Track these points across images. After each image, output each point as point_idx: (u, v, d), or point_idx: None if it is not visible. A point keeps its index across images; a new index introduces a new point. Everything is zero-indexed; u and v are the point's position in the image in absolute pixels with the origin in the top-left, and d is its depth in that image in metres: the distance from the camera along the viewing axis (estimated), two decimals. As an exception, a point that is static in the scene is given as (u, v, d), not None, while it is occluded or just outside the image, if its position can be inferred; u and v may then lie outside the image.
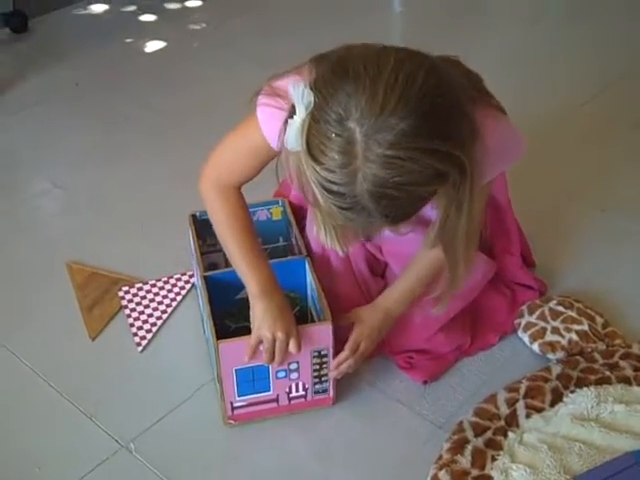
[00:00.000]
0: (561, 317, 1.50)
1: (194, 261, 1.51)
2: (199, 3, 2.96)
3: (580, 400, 1.36)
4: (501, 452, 1.30)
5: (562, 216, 1.70)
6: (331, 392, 1.41)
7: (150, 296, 1.65)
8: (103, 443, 1.38)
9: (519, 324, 1.52)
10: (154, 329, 1.58)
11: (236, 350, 1.31)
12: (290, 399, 1.39)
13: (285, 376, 1.36)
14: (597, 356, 1.45)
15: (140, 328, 1.58)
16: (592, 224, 1.80)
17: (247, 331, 1.47)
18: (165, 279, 1.69)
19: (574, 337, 1.48)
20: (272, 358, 1.32)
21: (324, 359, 1.36)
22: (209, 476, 1.33)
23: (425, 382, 1.45)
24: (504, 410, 1.37)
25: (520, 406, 1.37)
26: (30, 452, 1.38)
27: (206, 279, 1.43)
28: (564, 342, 1.47)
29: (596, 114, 2.19)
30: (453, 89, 1.05)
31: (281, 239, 1.62)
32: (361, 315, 1.42)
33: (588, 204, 1.86)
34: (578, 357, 1.45)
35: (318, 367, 1.37)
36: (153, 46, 2.67)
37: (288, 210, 1.57)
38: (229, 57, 2.55)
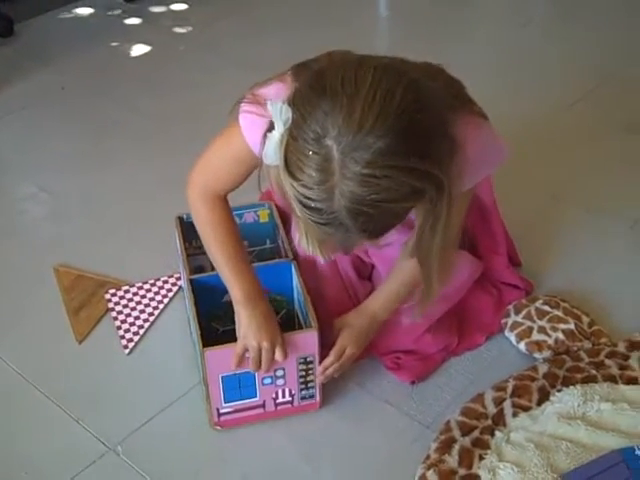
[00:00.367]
0: (547, 316, 1.51)
1: (180, 263, 1.51)
2: (184, 6, 2.95)
3: (567, 399, 1.36)
4: (488, 451, 1.30)
5: (548, 216, 1.71)
6: (317, 397, 1.41)
7: (137, 299, 1.65)
8: (90, 446, 1.38)
9: (505, 324, 1.53)
10: (141, 331, 1.58)
11: (222, 357, 1.31)
12: (277, 405, 1.39)
13: (271, 382, 1.36)
14: (583, 355, 1.46)
15: (127, 331, 1.58)
16: (578, 224, 1.81)
17: (234, 334, 1.48)
18: (152, 282, 1.69)
19: (560, 336, 1.48)
20: (258, 366, 1.32)
21: (310, 365, 1.36)
22: (197, 478, 1.33)
23: (413, 382, 1.46)
24: (491, 409, 1.37)
25: (507, 405, 1.37)
26: (17, 456, 1.37)
27: (192, 282, 1.42)
28: (550, 341, 1.48)
29: (585, 115, 2.20)
30: (432, 105, 1.05)
31: (268, 241, 1.62)
32: (347, 320, 1.42)
33: (574, 204, 1.87)
34: (564, 356, 1.46)
35: (304, 373, 1.37)
36: (139, 50, 2.66)
37: (275, 213, 1.57)
38: (215, 61, 2.55)
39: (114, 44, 2.70)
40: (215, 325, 1.49)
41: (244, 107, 1.25)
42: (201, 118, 2.24)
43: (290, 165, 1.04)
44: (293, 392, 1.39)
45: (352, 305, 1.48)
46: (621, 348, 1.47)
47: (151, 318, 1.61)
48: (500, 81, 2.33)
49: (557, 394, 1.38)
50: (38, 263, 1.76)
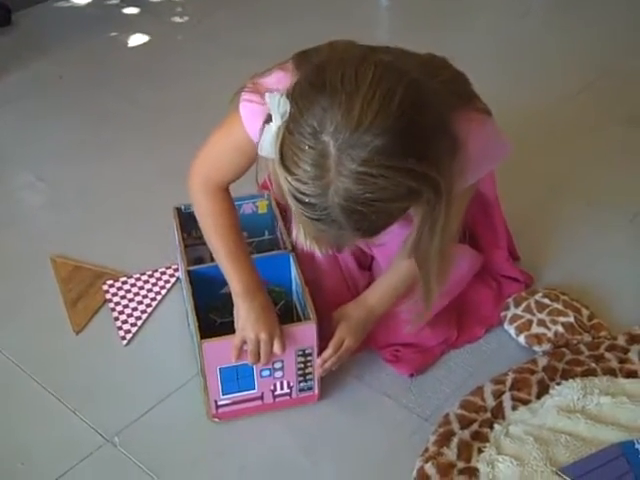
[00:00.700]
0: (547, 309, 1.50)
1: (178, 255, 1.50)
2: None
3: (566, 392, 1.36)
4: (487, 444, 1.30)
5: (548, 209, 1.70)
6: (316, 390, 1.40)
7: (135, 290, 1.64)
8: (87, 437, 1.37)
9: (505, 317, 1.52)
10: (139, 323, 1.57)
11: (220, 349, 1.30)
12: (275, 397, 1.39)
13: (270, 375, 1.35)
14: (583, 348, 1.45)
15: (125, 322, 1.57)
16: (577, 217, 1.81)
17: (232, 326, 1.47)
18: (150, 272, 1.68)
19: (560, 329, 1.48)
20: (257, 359, 1.31)
21: (308, 357, 1.35)
22: (195, 470, 1.32)
23: (411, 375, 1.45)
24: (490, 402, 1.37)
25: (506, 398, 1.37)
26: (13, 447, 1.37)
27: (190, 273, 1.42)
28: (550, 334, 1.47)
29: (585, 107, 2.19)
30: (433, 105, 1.03)
31: (267, 233, 1.61)
32: (345, 312, 1.42)
33: (574, 197, 1.87)
34: (564, 349, 1.45)
35: (303, 366, 1.36)
36: (137, 40, 2.65)
37: (274, 204, 1.57)
38: (214, 50, 2.54)
39: (112, 34, 2.69)
40: (213, 317, 1.48)
41: (244, 96, 1.24)
42: (200, 108, 2.23)
43: (285, 159, 1.03)
44: (291, 384, 1.38)
45: (351, 296, 1.47)
46: (621, 341, 1.47)
47: (149, 309, 1.60)
48: (500, 72, 2.32)
49: (557, 387, 1.38)
50: (35, 253, 1.75)
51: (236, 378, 1.34)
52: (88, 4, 2.90)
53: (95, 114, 2.25)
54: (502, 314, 1.53)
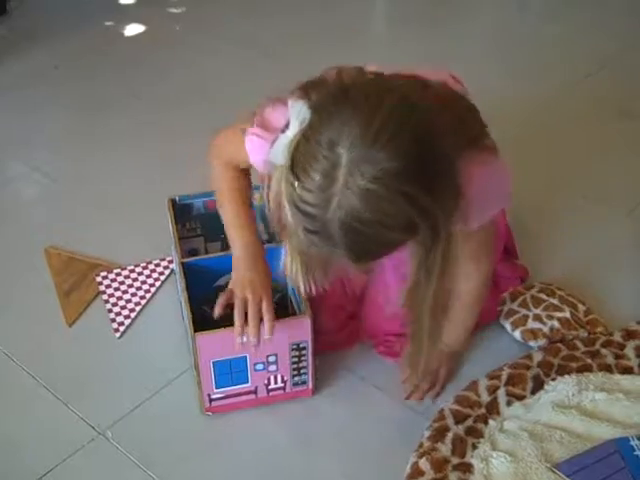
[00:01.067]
0: (543, 304, 1.50)
1: (172, 247, 1.49)
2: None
3: (561, 388, 1.35)
4: (482, 440, 1.29)
5: (544, 203, 1.70)
6: (310, 384, 1.39)
7: (128, 281, 1.63)
8: (80, 430, 1.36)
9: (501, 311, 1.52)
10: (132, 315, 1.56)
11: (214, 342, 1.30)
12: (269, 391, 1.38)
13: (263, 368, 1.35)
14: (578, 344, 1.45)
15: (118, 314, 1.56)
16: (574, 211, 1.80)
17: (226, 319, 1.46)
18: (144, 264, 1.67)
19: (556, 324, 1.47)
20: (242, 320, 1.27)
21: (303, 352, 1.35)
22: (188, 464, 1.32)
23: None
24: (485, 398, 1.36)
25: (501, 394, 1.36)
26: (5, 439, 1.36)
27: (184, 265, 1.41)
28: (546, 329, 1.47)
29: (582, 100, 2.18)
30: (443, 145, 1.03)
31: (262, 226, 1.60)
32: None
33: (570, 191, 1.86)
34: (559, 345, 1.45)
35: (297, 360, 1.35)
36: (133, 29, 2.64)
37: (269, 195, 1.55)
38: (210, 40, 2.52)
39: (108, 23, 2.67)
40: (206, 309, 1.47)
41: (252, 130, 1.26)
42: (197, 99, 2.23)
43: (296, 165, 1.02)
44: (285, 378, 1.37)
45: (345, 294, 1.48)
46: (617, 337, 1.46)
47: (142, 302, 1.59)
48: (496, 66, 2.31)
49: (552, 383, 1.37)
50: (29, 244, 1.74)
51: (230, 372, 1.34)
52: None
53: (90, 104, 2.23)
54: (498, 309, 1.52)
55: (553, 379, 1.38)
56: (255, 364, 1.34)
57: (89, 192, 1.90)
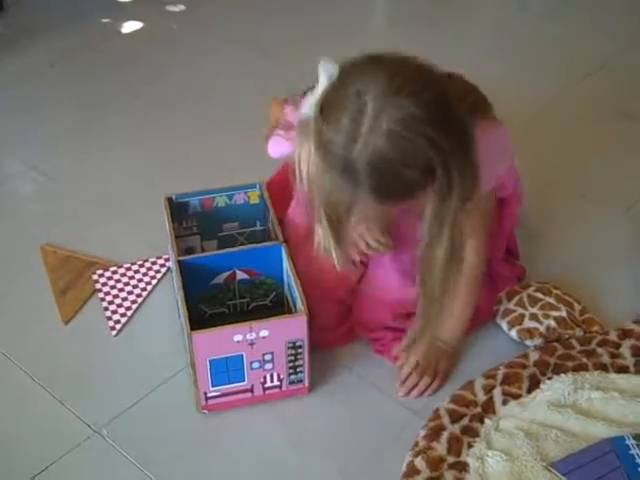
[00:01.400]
0: (539, 304, 1.50)
1: (169, 245, 1.49)
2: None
3: (557, 387, 1.35)
4: (477, 439, 1.29)
5: (541, 202, 1.69)
6: (306, 382, 1.39)
7: (125, 280, 1.63)
8: (75, 428, 1.36)
9: (497, 310, 1.51)
10: (129, 313, 1.56)
11: (210, 340, 1.30)
12: (265, 389, 1.38)
13: (259, 367, 1.34)
14: (574, 343, 1.45)
15: (114, 312, 1.56)
16: (572, 210, 1.80)
17: (222, 317, 1.46)
18: (140, 262, 1.67)
19: (552, 323, 1.47)
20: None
21: (299, 350, 1.35)
22: (183, 462, 1.31)
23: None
24: (481, 397, 1.36)
25: (497, 393, 1.36)
26: (0, 437, 1.36)
27: (180, 264, 1.41)
28: (542, 329, 1.47)
29: (581, 100, 2.18)
30: (458, 107, 1.15)
31: (258, 223, 1.60)
32: (421, 355, 1.43)
33: (568, 190, 1.86)
34: (555, 344, 1.45)
35: (293, 358, 1.35)
36: (130, 27, 2.63)
37: (265, 194, 1.55)
38: (209, 39, 2.51)
39: (105, 20, 2.66)
40: (203, 308, 1.47)
41: (277, 132, 1.44)
42: (194, 97, 2.23)
43: (325, 110, 1.13)
44: (281, 376, 1.37)
45: (343, 285, 1.48)
46: (613, 336, 1.46)
47: (139, 300, 1.59)
48: (496, 65, 2.30)
49: (547, 382, 1.37)
50: (25, 242, 1.74)
51: (226, 370, 1.34)
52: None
53: (88, 102, 2.23)
54: (494, 308, 1.52)
55: (549, 378, 1.38)
56: (251, 362, 1.33)
57: (86, 190, 1.90)
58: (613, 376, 1.38)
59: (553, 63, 2.35)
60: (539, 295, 1.51)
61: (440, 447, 1.28)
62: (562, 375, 1.37)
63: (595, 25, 2.55)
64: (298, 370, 1.37)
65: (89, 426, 1.36)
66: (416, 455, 1.27)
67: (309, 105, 1.21)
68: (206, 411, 1.37)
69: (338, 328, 1.50)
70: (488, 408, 1.34)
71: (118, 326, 1.54)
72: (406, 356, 1.43)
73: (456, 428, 1.31)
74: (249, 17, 2.63)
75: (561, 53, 2.40)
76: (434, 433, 1.30)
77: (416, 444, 1.29)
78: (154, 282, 1.63)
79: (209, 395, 1.36)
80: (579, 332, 1.47)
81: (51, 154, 2.03)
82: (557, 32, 2.52)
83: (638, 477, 1.20)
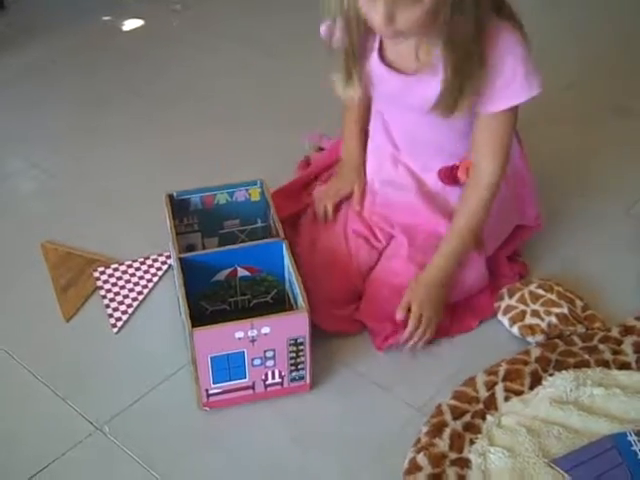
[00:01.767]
0: (541, 300, 1.49)
1: (170, 242, 1.49)
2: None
3: (559, 383, 1.35)
4: (479, 435, 1.29)
5: (541, 200, 1.69)
6: (308, 379, 1.39)
7: (126, 277, 1.63)
8: (77, 425, 1.36)
9: (499, 307, 1.51)
10: (130, 310, 1.56)
11: (211, 337, 1.29)
12: (266, 386, 1.38)
13: (261, 364, 1.34)
14: (576, 339, 1.44)
15: (116, 309, 1.56)
16: (572, 208, 1.80)
17: (223, 314, 1.46)
18: (142, 260, 1.67)
19: (554, 320, 1.47)
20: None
21: (300, 347, 1.34)
22: (185, 459, 1.31)
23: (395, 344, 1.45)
24: (483, 393, 1.36)
25: (499, 389, 1.36)
26: (2, 434, 1.36)
27: (182, 261, 1.41)
28: (544, 325, 1.47)
29: (576, 99, 2.18)
30: None
31: (259, 220, 1.60)
32: (414, 285, 1.45)
33: (567, 188, 1.86)
34: (557, 340, 1.44)
35: (294, 355, 1.35)
36: (131, 24, 2.63)
37: (267, 192, 1.55)
38: (210, 38, 2.52)
39: (106, 18, 2.66)
40: (204, 305, 1.47)
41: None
42: (195, 95, 2.22)
43: None
44: (283, 373, 1.37)
45: (360, 279, 1.51)
46: (615, 333, 1.46)
47: (140, 297, 1.59)
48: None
49: (549, 378, 1.37)
50: (27, 239, 1.74)
51: (227, 367, 1.33)
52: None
53: (89, 100, 2.23)
54: (496, 304, 1.52)
55: (551, 375, 1.38)
56: (253, 359, 1.33)
57: (87, 188, 1.90)
58: (615, 372, 1.38)
59: (547, 62, 2.34)
60: (541, 292, 1.51)
61: (442, 443, 1.28)
62: (564, 372, 1.37)
63: (589, 22, 2.55)
64: (299, 367, 1.37)
65: (91, 423, 1.36)
66: (418, 451, 1.27)
67: None
68: (207, 408, 1.37)
69: (345, 306, 1.50)
70: (490, 404, 1.34)
71: (119, 323, 1.53)
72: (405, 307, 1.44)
73: (458, 424, 1.31)
74: (250, 15, 2.63)
75: (555, 52, 2.38)
76: (436, 429, 1.30)
77: (418, 440, 1.29)
78: (155, 279, 1.63)
79: (210, 392, 1.36)
80: (581, 329, 1.47)
81: (52, 152, 2.03)
82: (550, 32, 2.51)
83: (640, 473, 1.20)
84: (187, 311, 1.31)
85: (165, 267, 1.65)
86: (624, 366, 1.39)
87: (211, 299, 1.47)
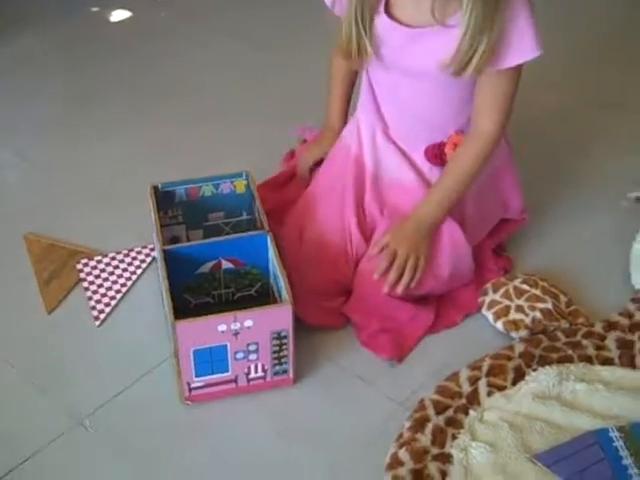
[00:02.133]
0: (525, 295, 1.49)
1: (154, 234, 1.48)
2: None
3: (542, 378, 1.35)
4: (462, 430, 1.29)
5: (528, 194, 1.68)
6: (291, 373, 1.38)
7: (109, 269, 1.62)
8: (57, 419, 1.35)
9: (483, 302, 1.51)
10: (113, 303, 1.55)
11: (194, 330, 1.28)
12: (249, 380, 1.37)
13: (244, 357, 1.34)
14: (560, 335, 1.44)
15: (98, 302, 1.55)
16: (558, 202, 1.80)
17: (206, 307, 1.46)
18: (125, 252, 1.66)
19: (538, 315, 1.47)
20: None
21: (284, 340, 1.34)
22: (166, 454, 1.31)
23: (391, 360, 1.43)
24: (466, 388, 1.36)
25: (482, 384, 1.36)
26: (-19, 427, 1.35)
27: (165, 253, 1.40)
28: (528, 321, 1.46)
29: (564, 94, 2.18)
30: None
31: (244, 213, 1.59)
32: (393, 226, 1.47)
33: (554, 182, 1.85)
34: (541, 335, 1.44)
35: (278, 349, 1.34)
36: (119, 15, 2.61)
37: (252, 184, 1.55)
38: (198, 30, 2.50)
39: (94, 9, 2.65)
40: (188, 297, 1.46)
41: None
42: (182, 88, 2.21)
43: None
44: (266, 367, 1.36)
45: (351, 267, 1.50)
46: (598, 328, 1.46)
47: (123, 289, 1.58)
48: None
49: (532, 374, 1.37)
50: (9, 230, 1.72)
51: (210, 360, 1.33)
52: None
53: (77, 93, 2.22)
54: (480, 299, 1.52)
55: (534, 370, 1.37)
56: (235, 353, 1.33)
57: (73, 179, 1.89)
58: (598, 368, 1.38)
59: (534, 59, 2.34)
60: (525, 287, 1.50)
61: (424, 438, 1.27)
62: (547, 367, 1.37)
63: (572, 20, 2.54)
64: (283, 361, 1.36)
65: (72, 416, 1.35)
66: (400, 447, 1.27)
67: None
68: (189, 402, 1.37)
69: (332, 298, 1.50)
70: (473, 400, 1.34)
71: (102, 316, 1.52)
72: (383, 243, 1.45)
73: (440, 419, 1.30)
74: (240, 9, 2.61)
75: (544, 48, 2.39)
76: (418, 424, 1.30)
77: (400, 435, 1.29)
78: (139, 272, 1.62)
79: (192, 386, 1.35)
80: (564, 324, 1.47)
81: (38, 143, 2.01)
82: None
83: (621, 469, 1.20)
84: (170, 303, 1.31)
85: (149, 260, 1.64)
86: (607, 362, 1.39)
87: (195, 292, 1.46)
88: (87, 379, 1.42)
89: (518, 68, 1.43)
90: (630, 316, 1.48)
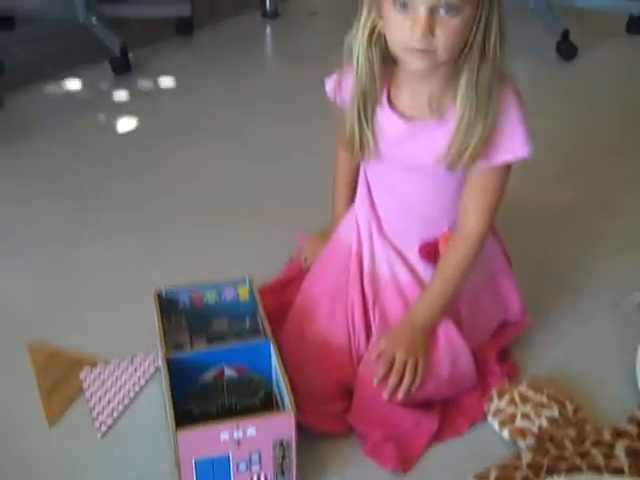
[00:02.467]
0: (531, 402, 1.47)
1: (158, 342, 1.48)
2: (172, 81, 2.99)
3: (551, 489, 1.32)
4: None
5: (530, 300, 1.68)
6: (294, 485, 1.36)
7: (112, 379, 1.60)
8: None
9: (488, 409, 1.49)
10: (115, 414, 1.53)
11: (196, 439, 1.27)
12: None
13: (246, 469, 1.31)
14: (567, 443, 1.42)
15: (101, 412, 1.53)
16: (561, 307, 1.79)
17: (209, 416, 1.44)
18: (129, 359, 1.64)
19: (544, 423, 1.45)
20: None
21: (286, 449, 1.32)
22: None
23: (395, 470, 1.41)
24: (473, 499, 1.33)
25: (490, 495, 1.33)
26: None
27: (169, 362, 1.39)
28: (534, 428, 1.44)
29: (561, 195, 2.20)
30: None
31: (247, 319, 1.59)
32: (388, 335, 1.46)
33: (556, 285, 1.86)
34: (548, 444, 1.42)
35: (281, 459, 1.32)
36: (125, 124, 2.68)
37: (254, 290, 1.55)
38: (196, 133, 2.56)
39: (101, 116, 2.71)
40: (192, 408, 1.45)
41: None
42: (184, 191, 2.24)
43: None
44: (269, 478, 1.34)
45: (347, 367, 1.49)
46: (606, 436, 1.43)
47: (126, 400, 1.56)
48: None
49: (541, 484, 1.34)
50: (10, 339, 1.71)
51: (212, 470, 1.30)
52: (78, 87, 2.94)
53: (78, 195, 2.25)
54: (485, 407, 1.50)
55: (543, 480, 1.35)
56: (238, 464, 1.30)
57: (75, 283, 1.89)
58: (607, 478, 1.35)
59: (535, 155, 2.38)
60: (530, 393, 1.49)
61: None
62: (556, 477, 1.34)
63: (569, 120, 2.59)
64: (286, 471, 1.34)
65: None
66: None
67: None
68: (191, 515, 1.34)
69: (335, 401, 1.48)
70: (480, 511, 1.31)
71: (104, 427, 1.50)
72: (381, 348, 1.44)
73: (448, 533, 1.27)
74: (246, 115, 2.67)
75: (540, 148, 2.43)
76: (426, 538, 1.26)
77: None
78: (142, 381, 1.60)
79: (194, 499, 1.32)
80: (572, 432, 1.44)
81: (40, 246, 2.03)
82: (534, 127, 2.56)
83: None
84: (172, 414, 1.29)
85: (152, 369, 1.62)
86: (617, 471, 1.36)
87: (199, 402, 1.45)
88: (88, 492, 1.39)
89: (508, 167, 1.45)
90: (639, 423, 1.46)
